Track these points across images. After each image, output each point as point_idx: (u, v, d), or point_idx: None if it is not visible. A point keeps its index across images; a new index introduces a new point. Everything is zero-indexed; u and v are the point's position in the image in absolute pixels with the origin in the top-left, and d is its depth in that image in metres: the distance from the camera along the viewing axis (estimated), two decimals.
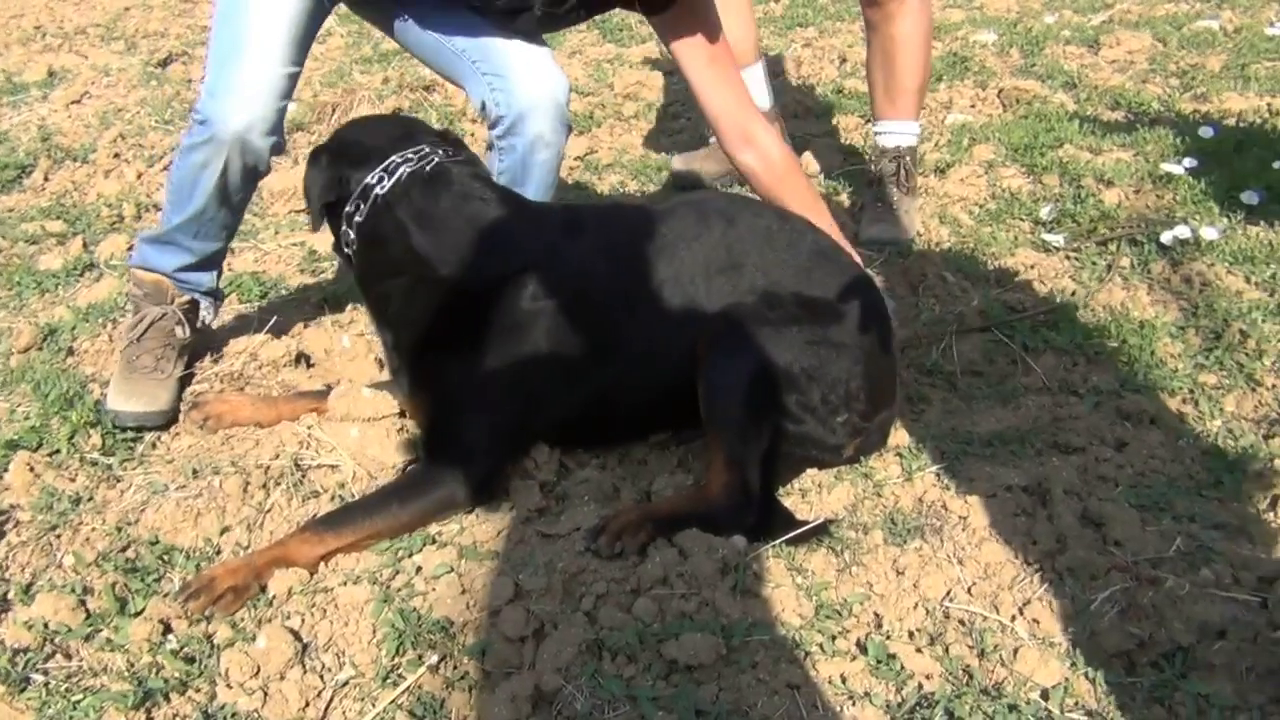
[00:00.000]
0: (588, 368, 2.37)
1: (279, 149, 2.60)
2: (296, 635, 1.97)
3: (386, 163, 2.38)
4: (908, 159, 3.68)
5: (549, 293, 2.33)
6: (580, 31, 6.45)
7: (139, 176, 4.33)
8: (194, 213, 2.61)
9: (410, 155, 2.39)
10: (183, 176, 2.58)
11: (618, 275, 2.40)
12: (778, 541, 2.14)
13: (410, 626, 1.98)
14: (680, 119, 4.96)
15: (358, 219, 2.39)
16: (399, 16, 2.79)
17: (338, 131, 2.60)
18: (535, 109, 2.65)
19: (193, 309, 2.81)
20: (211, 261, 2.80)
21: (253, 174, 2.61)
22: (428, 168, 2.38)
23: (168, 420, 2.66)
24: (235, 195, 2.64)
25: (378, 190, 2.36)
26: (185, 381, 2.80)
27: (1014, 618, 1.97)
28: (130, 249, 3.70)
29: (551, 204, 2.65)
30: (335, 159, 2.42)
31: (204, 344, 2.96)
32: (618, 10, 2.75)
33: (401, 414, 2.54)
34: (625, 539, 2.11)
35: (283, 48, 2.51)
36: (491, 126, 2.72)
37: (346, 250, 2.45)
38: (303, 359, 2.92)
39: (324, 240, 3.74)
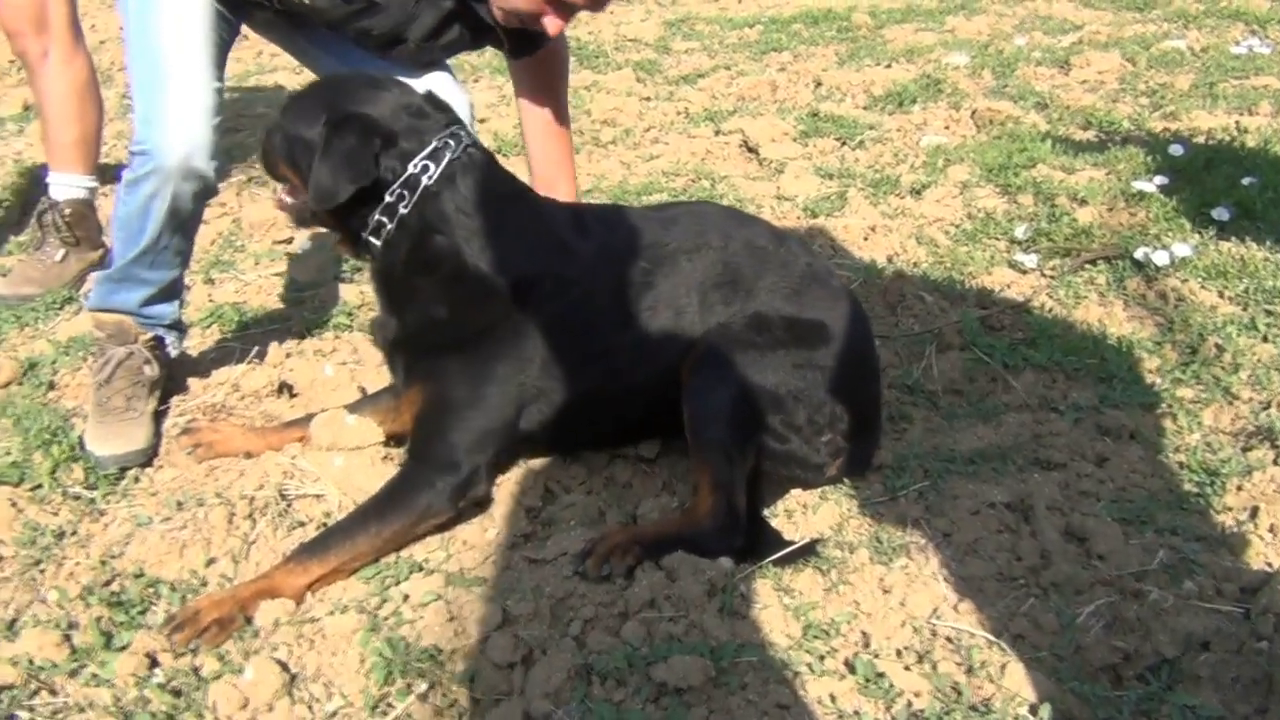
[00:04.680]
0: (579, 373, 2.37)
1: (219, 169, 2.59)
2: (284, 666, 1.96)
3: (430, 150, 2.26)
4: (66, 211, 3.69)
5: (556, 296, 2.34)
6: None
7: None
8: (147, 244, 2.59)
9: (450, 142, 2.29)
10: (130, 211, 2.55)
11: (620, 282, 2.40)
12: (764, 562, 2.15)
13: (398, 655, 1.97)
14: (659, 143, 4.99)
15: (402, 209, 2.25)
16: (299, 40, 2.83)
17: (335, 101, 2.31)
18: None
19: (158, 345, 2.79)
20: (172, 291, 2.78)
21: (202, 196, 2.59)
22: (465, 157, 2.30)
23: (148, 458, 2.64)
24: (187, 221, 2.62)
25: (426, 181, 2.24)
26: (161, 416, 2.78)
27: (1000, 634, 1.98)
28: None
29: (563, 204, 2.64)
30: (366, 139, 2.22)
31: (183, 375, 2.94)
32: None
33: (386, 442, 2.54)
34: (613, 562, 2.11)
35: (204, 67, 2.51)
36: None
37: (372, 238, 2.31)
38: (285, 389, 2.91)
39: (305, 270, 3.75)
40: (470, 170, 2.30)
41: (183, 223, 2.61)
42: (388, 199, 2.26)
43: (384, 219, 2.27)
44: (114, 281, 2.68)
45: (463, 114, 2.72)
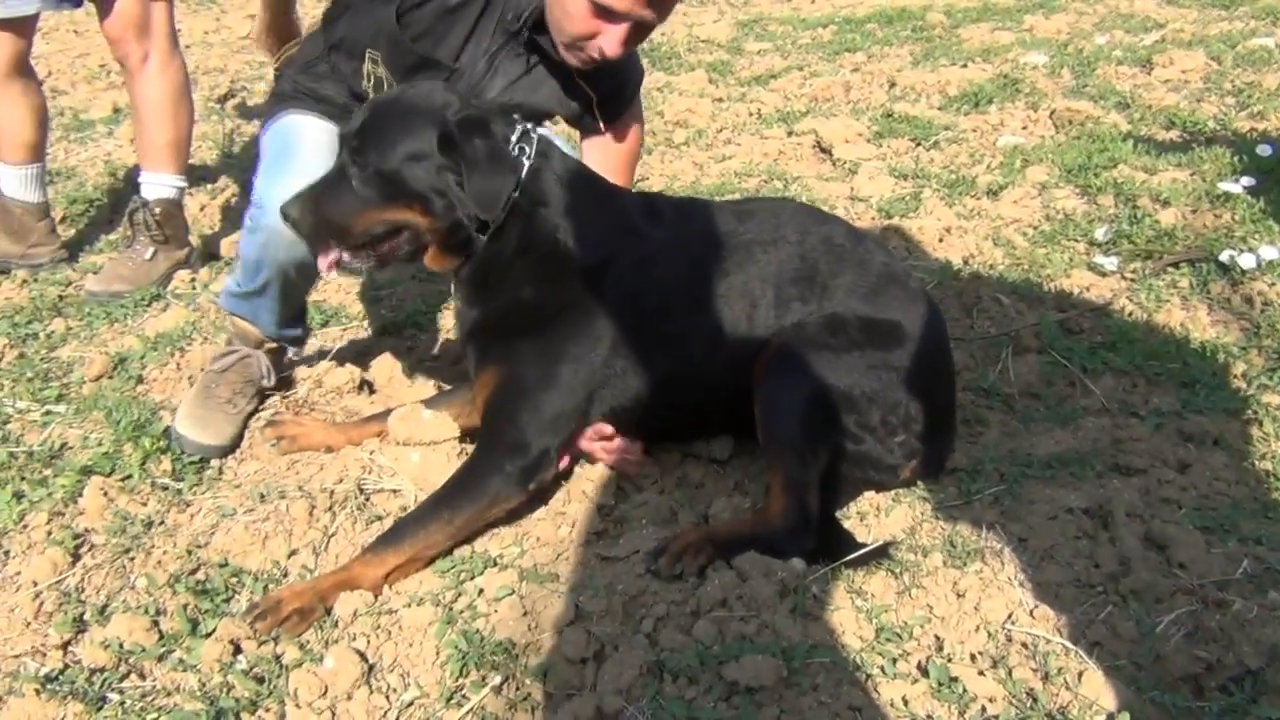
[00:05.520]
0: (649, 357, 2.39)
1: None
2: (363, 656, 2.01)
3: (519, 134, 2.31)
4: (156, 210, 3.76)
5: (627, 277, 2.36)
6: None
7: (202, 209, 4.43)
8: (263, 284, 2.65)
9: (526, 125, 2.34)
10: (248, 253, 2.62)
11: (693, 268, 2.42)
12: (837, 564, 2.15)
13: (473, 648, 2.00)
14: (731, 144, 4.99)
15: (514, 194, 2.29)
16: None
17: (432, 112, 2.24)
18: None
19: (279, 354, 2.88)
20: (298, 317, 2.86)
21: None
22: (540, 137, 2.37)
23: (226, 453, 2.72)
24: (307, 271, 2.63)
25: (526, 161, 2.30)
26: (251, 416, 2.86)
27: (1078, 641, 1.95)
28: (193, 281, 3.81)
29: (636, 192, 2.67)
30: (488, 134, 2.22)
31: None
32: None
33: (461, 438, 2.58)
34: (685, 560, 2.12)
35: (328, 152, 2.49)
36: None
37: (478, 233, 2.30)
38: (365, 385, 2.97)
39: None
40: (552, 147, 2.38)
41: (302, 272, 2.63)
42: None
43: None
44: (241, 298, 2.74)
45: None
